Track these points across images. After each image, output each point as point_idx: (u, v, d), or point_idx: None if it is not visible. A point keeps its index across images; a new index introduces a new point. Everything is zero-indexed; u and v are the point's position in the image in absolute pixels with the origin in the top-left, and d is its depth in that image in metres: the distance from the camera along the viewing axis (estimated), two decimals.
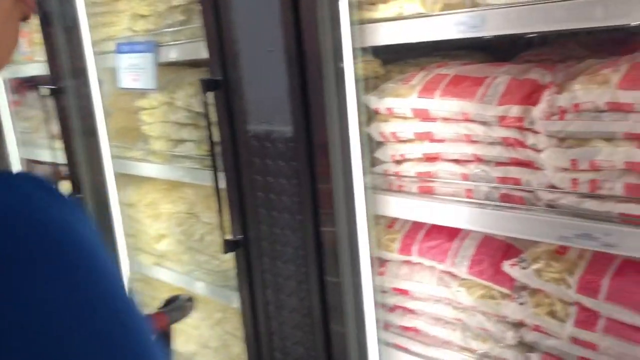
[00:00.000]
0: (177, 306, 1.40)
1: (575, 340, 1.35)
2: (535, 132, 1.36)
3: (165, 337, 1.33)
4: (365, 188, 1.58)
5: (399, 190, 1.67)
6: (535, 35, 2.40)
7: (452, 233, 1.64)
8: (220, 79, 1.53)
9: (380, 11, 1.49)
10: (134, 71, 2.33)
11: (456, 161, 1.54)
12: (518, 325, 1.49)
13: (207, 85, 1.53)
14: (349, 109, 1.39)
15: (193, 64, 2.47)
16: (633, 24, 1.14)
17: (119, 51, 2.37)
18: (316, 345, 1.55)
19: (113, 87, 2.53)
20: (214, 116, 1.65)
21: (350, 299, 1.49)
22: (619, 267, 1.30)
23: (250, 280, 1.67)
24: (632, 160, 1.18)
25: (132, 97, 2.53)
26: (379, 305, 1.80)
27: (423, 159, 1.61)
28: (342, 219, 1.42)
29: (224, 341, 2.50)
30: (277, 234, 1.55)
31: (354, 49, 1.47)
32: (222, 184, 1.67)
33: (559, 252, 1.41)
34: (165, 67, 2.52)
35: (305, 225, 1.46)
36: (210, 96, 1.60)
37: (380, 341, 1.74)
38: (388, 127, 1.63)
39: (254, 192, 1.57)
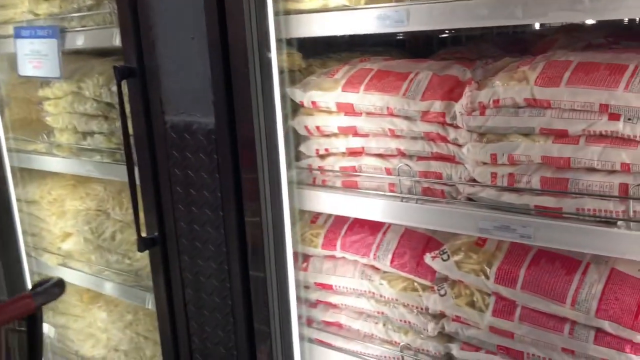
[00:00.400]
0: (44, 290, 1.34)
1: (493, 329, 1.39)
2: (457, 127, 1.39)
3: (32, 320, 1.33)
4: (289, 183, 1.55)
5: (323, 185, 1.65)
6: (448, 34, 2.48)
7: (374, 227, 1.65)
8: (136, 66, 1.44)
9: (306, 3, 1.47)
10: (36, 58, 2.16)
11: (380, 156, 1.54)
12: (439, 316, 1.52)
13: (122, 73, 1.44)
14: (275, 100, 1.35)
15: (102, 52, 2.33)
16: (549, 23, 1.19)
17: (18, 36, 2.19)
18: (239, 345, 1.50)
19: (11, 75, 2.34)
20: (128, 107, 1.55)
21: (275, 295, 1.45)
22: (534, 257, 1.36)
23: (168, 279, 1.59)
24: (548, 155, 1.24)
25: (34, 86, 2.34)
26: (302, 301, 1.79)
27: (347, 153, 1.60)
28: (267, 214, 1.38)
29: (135, 344, 2.39)
30: (197, 231, 1.49)
31: (278, 40, 1.44)
32: (137, 179, 1.58)
33: (478, 244, 1.46)
34: (72, 55, 2.37)
35: (228, 221, 1.41)
36: (125, 85, 1.50)
37: (303, 337, 1.72)
38: (312, 121, 1.60)
39: (172, 187, 1.50)
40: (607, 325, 1.23)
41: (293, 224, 1.76)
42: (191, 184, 1.44)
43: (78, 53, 2.45)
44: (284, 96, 1.65)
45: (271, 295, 1.46)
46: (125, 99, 1.56)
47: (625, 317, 1.21)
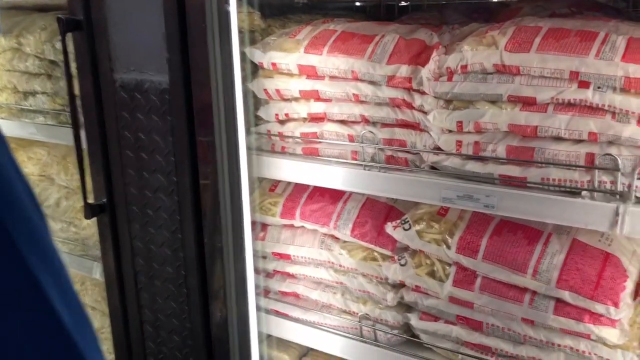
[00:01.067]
0: None
1: (453, 299, 1.38)
2: (423, 94, 1.35)
3: None
4: (248, 148, 1.48)
5: (282, 152, 1.59)
6: (410, 1, 2.43)
7: (335, 196, 1.60)
8: (82, 18, 1.32)
9: None
10: None
11: (343, 122, 1.49)
12: (398, 286, 1.50)
13: (66, 26, 1.32)
14: (234, 60, 1.27)
15: (45, 8, 2.17)
16: None
17: None
18: (192, 318, 1.44)
19: None
20: (73, 64, 1.44)
21: (232, 266, 1.39)
22: (496, 227, 1.34)
23: (117, 248, 1.50)
24: (515, 123, 1.21)
25: None
26: (259, 271, 1.74)
27: (308, 119, 1.54)
28: (224, 180, 1.31)
29: None
30: (149, 197, 1.41)
31: None
32: (84, 142, 1.48)
33: (440, 214, 1.43)
34: (11, 9, 2.20)
35: (182, 187, 1.33)
36: (70, 39, 1.38)
37: (260, 308, 1.68)
38: (272, 84, 1.53)
39: (122, 151, 1.40)
40: (567, 296, 1.23)
41: (251, 191, 1.70)
42: (142, 148, 1.35)
43: (18, 8, 2.28)
44: (243, 56, 1.57)
45: (227, 265, 1.40)
46: (71, 56, 1.44)
47: (585, 287, 1.21)
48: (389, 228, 1.46)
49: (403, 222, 1.45)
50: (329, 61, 1.42)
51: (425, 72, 1.31)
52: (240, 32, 1.65)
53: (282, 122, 1.58)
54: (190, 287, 1.43)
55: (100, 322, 2.21)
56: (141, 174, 1.38)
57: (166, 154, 1.32)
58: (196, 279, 1.39)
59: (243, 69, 1.67)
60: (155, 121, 1.30)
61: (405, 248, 1.48)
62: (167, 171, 1.33)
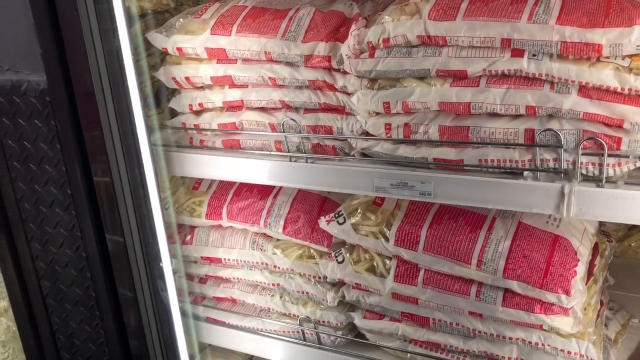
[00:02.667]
0: None
1: (396, 295, 1.26)
2: (345, 73, 1.20)
3: None
4: (157, 145, 1.32)
5: (201, 146, 1.43)
6: None
7: (264, 190, 1.45)
8: None
9: None
10: None
11: (262, 109, 1.33)
12: (338, 284, 1.38)
13: None
14: (122, 48, 1.09)
15: None
16: None
17: None
18: (109, 340, 1.29)
19: None
20: None
21: (145, 278, 1.25)
22: (436, 215, 1.22)
23: (19, 271, 1.33)
24: (446, 100, 1.08)
25: None
26: (192, 277, 1.59)
27: (225, 108, 1.38)
28: (121, 185, 1.15)
29: (13, 333, 2.11)
30: (45, 213, 1.23)
31: None
32: None
33: (376, 203, 1.30)
34: None
35: (78, 200, 1.16)
36: None
37: (197, 317, 1.54)
38: (180, 71, 1.36)
39: (8, 163, 1.22)
40: (515, 286, 1.12)
41: (173, 192, 1.55)
42: (30, 157, 1.17)
43: None
44: (147, 43, 1.40)
45: (138, 277, 1.25)
46: None
47: (534, 276, 1.11)
48: (322, 223, 1.33)
49: (337, 215, 1.32)
50: (239, 42, 1.26)
51: (345, 49, 1.16)
52: (144, 15, 1.48)
53: (197, 113, 1.41)
54: (102, 308, 1.28)
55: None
56: (33, 188, 1.21)
57: (56, 164, 1.15)
58: (107, 298, 1.24)
59: (151, 56, 1.50)
60: (39, 127, 1.13)
61: (342, 243, 1.36)
62: (59, 183, 1.16)
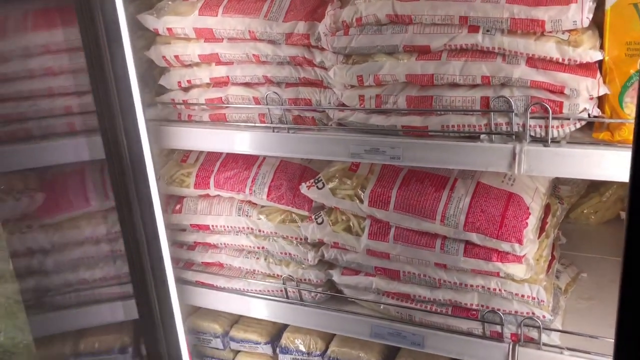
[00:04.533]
0: None
1: (370, 252, 1.40)
2: (323, 50, 1.33)
3: None
4: (151, 119, 1.43)
5: (189, 120, 1.55)
6: None
7: (249, 161, 1.58)
8: None
9: None
10: None
11: (247, 84, 1.46)
12: (318, 244, 1.51)
13: None
14: (121, 29, 1.20)
15: None
16: None
17: None
18: None
19: None
20: None
21: (146, 242, 1.36)
22: (404, 178, 1.36)
23: None
24: (412, 73, 1.21)
25: None
26: (181, 244, 1.70)
27: (212, 84, 1.50)
28: (125, 154, 1.26)
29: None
30: None
31: None
32: None
33: (352, 169, 1.44)
34: None
35: None
36: None
37: (186, 281, 1.66)
38: (170, 50, 1.47)
39: None
40: (474, 237, 1.27)
41: (162, 164, 1.66)
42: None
43: None
44: (139, 24, 1.50)
45: (142, 243, 1.36)
46: None
47: (490, 228, 1.25)
48: (303, 188, 1.46)
49: (316, 181, 1.44)
50: (225, 22, 1.38)
51: (322, 27, 1.29)
52: None
53: (185, 90, 1.53)
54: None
55: None
56: None
57: None
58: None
59: (144, 38, 1.60)
60: None
61: (321, 207, 1.49)
62: None
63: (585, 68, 1.11)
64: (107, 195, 1.53)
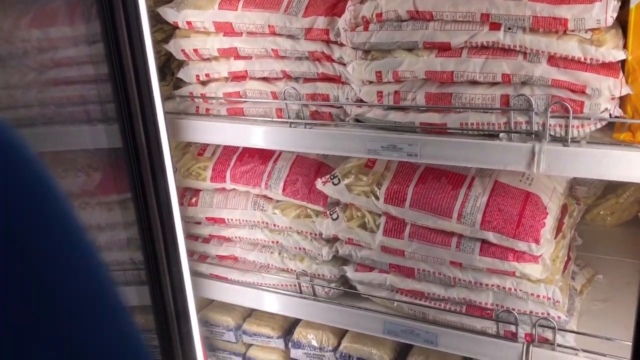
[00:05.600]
0: None
1: (385, 249, 1.40)
2: (342, 45, 1.33)
3: None
4: (168, 113, 1.44)
5: (207, 114, 1.55)
6: None
7: (265, 155, 1.58)
8: None
9: None
10: None
11: (265, 79, 1.46)
12: (332, 240, 1.51)
13: None
14: (142, 23, 1.21)
15: None
16: None
17: None
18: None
19: None
20: None
21: (160, 234, 1.37)
22: (421, 175, 1.36)
23: None
24: (431, 70, 1.21)
25: None
26: (196, 237, 1.71)
27: (230, 78, 1.50)
28: (143, 144, 1.27)
29: None
30: None
31: None
32: None
33: (368, 166, 1.44)
34: None
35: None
36: None
37: (199, 274, 1.66)
38: (189, 44, 1.48)
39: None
40: (491, 236, 1.26)
41: (179, 157, 1.67)
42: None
43: None
44: (158, 17, 1.51)
45: (157, 234, 1.37)
46: None
47: (507, 227, 1.24)
48: (319, 184, 1.46)
49: (332, 177, 1.44)
50: (245, 16, 1.38)
51: (342, 22, 1.29)
52: None
53: (203, 84, 1.53)
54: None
55: None
56: None
57: None
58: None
59: (162, 31, 1.61)
60: None
61: (337, 202, 1.49)
62: None
63: (607, 67, 1.10)
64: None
